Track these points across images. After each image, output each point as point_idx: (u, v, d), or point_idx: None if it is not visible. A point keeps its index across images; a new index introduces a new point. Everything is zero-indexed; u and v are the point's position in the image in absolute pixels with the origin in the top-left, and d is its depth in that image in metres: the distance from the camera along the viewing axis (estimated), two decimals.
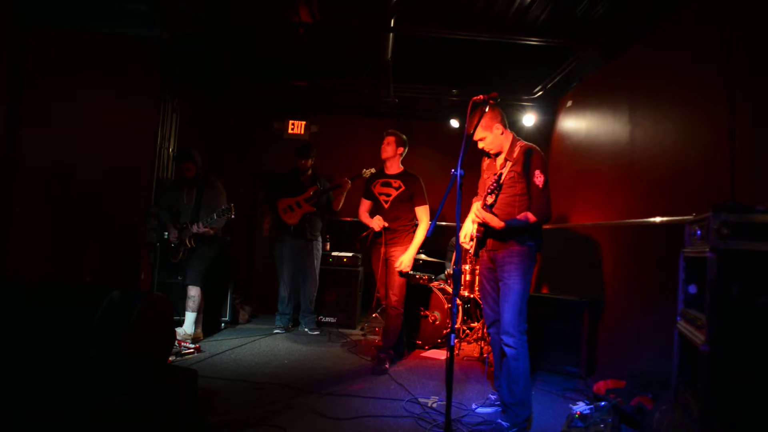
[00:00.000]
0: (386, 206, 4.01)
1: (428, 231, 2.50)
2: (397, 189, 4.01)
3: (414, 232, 3.96)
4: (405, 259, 3.84)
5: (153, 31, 3.24)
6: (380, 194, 4.06)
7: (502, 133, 2.91)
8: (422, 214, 3.98)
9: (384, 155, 4.06)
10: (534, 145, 2.89)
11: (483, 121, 2.81)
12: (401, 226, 3.98)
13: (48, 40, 3.33)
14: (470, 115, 2.67)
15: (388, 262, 3.96)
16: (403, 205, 3.98)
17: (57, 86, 3.43)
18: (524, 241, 2.80)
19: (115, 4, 3.07)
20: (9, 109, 3.05)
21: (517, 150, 2.84)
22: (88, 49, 3.69)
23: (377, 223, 3.94)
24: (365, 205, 4.20)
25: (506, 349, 2.76)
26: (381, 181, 4.11)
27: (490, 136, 2.90)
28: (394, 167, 4.10)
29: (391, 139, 4.05)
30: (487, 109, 2.68)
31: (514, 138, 2.94)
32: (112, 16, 3.14)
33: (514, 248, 2.80)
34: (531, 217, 2.74)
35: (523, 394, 2.74)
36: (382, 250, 3.96)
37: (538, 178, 2.76)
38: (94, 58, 3.78)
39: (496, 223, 2.72)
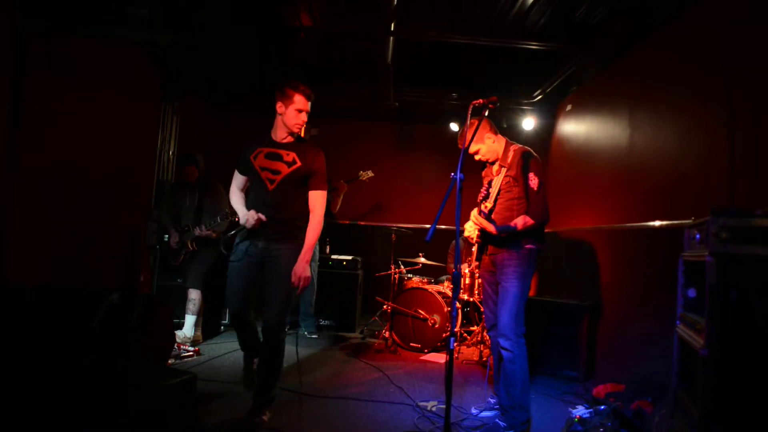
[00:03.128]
0: (271, 187, 2.80)
1: (428, 236, 2.21)
2: (290, 165, 2.82)
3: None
4: (299, 270, 2.71)
5: (154, 35, 3.25)
6: (263, 169, 2.83)
7: (494, 141, 2.98)
8: (317, 201, 2.86)
9: (300, 121, 2.85)
10: (527, 148, 2.92)
11: (470, 136, 2.84)
12: (292, 216, 2.81)
13: (50, 44, 3.34)
14: (460, 132, 2.81)
15: (269, 263, 2.79)
16: (296, 189, 2.84)
17: (58, 89, 3.45)
18: (523, 244, 2.81)
19: (117, 9, 3.09)
20: (10, 111, 3.06)
21: (510, 155, 2.90)
22: (89, 53, 3.71)
23: (251, 218, 2.72)
24: (239, 180, 3.00)
25: (503, 352, 2.78)
26: (266, 151, 2.87)
27: (483, 147, 2.97)
28: (286, 134, 2.88)
29: (311, 95, 2.86)
30: (469, 122, 2.69)
31: (507, 143, 2.99)
32: (113, 20, 3.16)
33: (513, 251, 2.82)
34: (528, 220, 2.77)
35: (521, 397, 2.73)
36: (259, 245, 2.80)
37: (533, 181, 2.79)
38: (95, 61, 3.80)
39: (491, 229, 2.80)
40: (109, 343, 2.15)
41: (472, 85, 5.59)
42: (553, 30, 4.06)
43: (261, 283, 2.89)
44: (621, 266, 3.84)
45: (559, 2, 3.65)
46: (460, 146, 2.79)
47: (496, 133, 2.99)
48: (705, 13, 2.97)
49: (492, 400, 3.17)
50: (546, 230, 3.07)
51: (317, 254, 5.19)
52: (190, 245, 4.34)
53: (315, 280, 5.13)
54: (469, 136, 2.70)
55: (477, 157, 3.01)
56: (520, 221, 2.77)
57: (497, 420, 2.85)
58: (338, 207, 5.11)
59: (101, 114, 3.94)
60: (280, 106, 2.84)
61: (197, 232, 4.28)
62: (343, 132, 6.81)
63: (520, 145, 2.95)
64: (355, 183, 5.36)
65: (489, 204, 2.89)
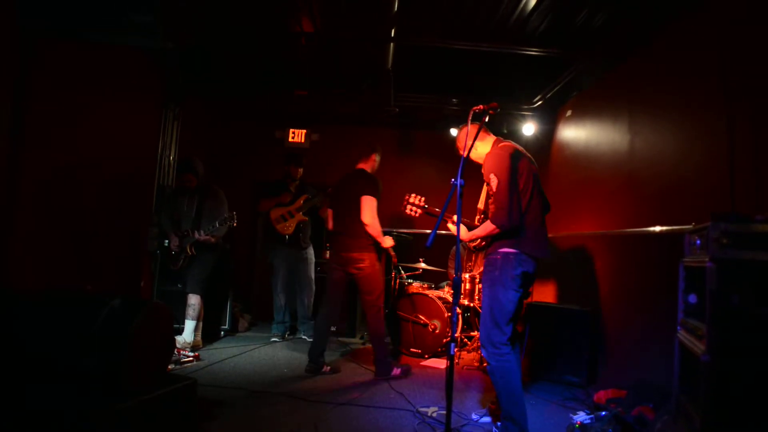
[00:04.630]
0: None
1: (428, 242, 2.45)
2: None
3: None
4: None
5: (156, 41, 3.26)
6: None
7: (476, 148, 2.90)
8: None
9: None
10: (499, 146, 2.82)
11: (460, 145, 2.87)
12: None
13: (52, 50, 3.35)
14: (457, 138, 2.92)
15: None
16: None
17: (60, 95, 3.46)
18: (497, 248, 2.70)
19: (119, 15, 3.09)
20: (13, 117, 3.07)
21: None
22: (90, 58, 3.72)
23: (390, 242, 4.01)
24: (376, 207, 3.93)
25: (487, 364, 2.69)
26: None
27: (473, 153, 2.91)
28: None
29: None
30: (459, 130, 2.73)
31: (494, 143, 2.88)
32: (116, 26, 3.16)
33: (489, 257, 2.74)
34: (488, 224, 2.66)
35: (508, 409, 2.60)
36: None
37: (492, 182, 2.67)
38: (97, 66, 3.81)
39: (462, 234, 2.75)
40: (110, 348, 2.14)
41: (473, 90, 5.60)
42: (554, 35, 4.07)
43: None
44: (622, 271, 3.83)
45: (560, 8, 3.67)
46: (460, 154, 2.81)
47: (483, 138, 2.90)
48: (705, 19, 2.99)
49: (493, 407, 3.15)
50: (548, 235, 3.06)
51: (313, 257, 5.23)
52: (189, 250, 4.34)
53: (313, 283, 5.15)
54: (461, 144, 2.75)
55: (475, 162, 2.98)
56: (483, 227, 2.69)
57: (494, 429, 2.81)
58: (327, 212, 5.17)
59: (102, 118, 3.94)
60: (375, 159, 4.15)
61: (196, 236, 4.28)
62: (344, 137, 6.82)
63: (502, 144, 2.84)
64: None
65: (481, 207, 2.88)
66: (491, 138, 2.95)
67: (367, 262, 3.86)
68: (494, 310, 2.65)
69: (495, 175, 2.65)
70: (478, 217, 2.97)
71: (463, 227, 2.81)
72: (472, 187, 3.01)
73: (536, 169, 2.87)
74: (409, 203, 3.28)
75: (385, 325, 3.99)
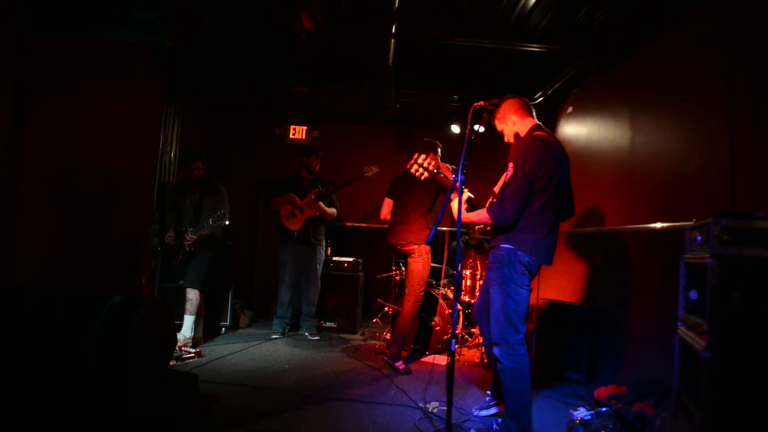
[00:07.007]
0: None
1: (429, 238, 2.52)
2: None
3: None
4: None
5: (157, 38, 3.27)
6: None
7: (515, 124, 2.77)
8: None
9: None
10: (533, 135, 2.64)
11: (499, 113, 2.78)
12: None
13: (54, 47, 3.36)
14: (500, 108, 2.82)
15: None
16: None
17: (61, 92, 3.47)
18: (499, 243, 2.61)
19: (121, 13, 3.10)
20: (14, 114, 3.08)
21: None
22: (92, 56, 3.73)
23: None
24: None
25: (497, 363, 2.65)
26: None
27: (505, 128, 2.83)
28: None
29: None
30: (502, 100, 2.71)
31: (531, 128, 2.71)
32: (117, 24, 3.17)
33: (493, 251, 2.66)
34: (483, 214, 2.58)
35: (514, 407, 2.57)
36: None
37: (509, 171, 2.54)
38: (98, 64, 3.82)
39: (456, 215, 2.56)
40: (112, 345, 2.15)
41: (474, 87, 5.59)
42: (555, 32, 4.06)
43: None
44: (622, 268, 3.83)
45: (560, 5, 3.66)
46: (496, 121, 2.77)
47: (524, 117, 2.75)
48: (707, 16, 2.98)
49: (487, 398, 3.16)
50: None
51: (323, 256, 5.22)
52: (187, 246, 4.32)
53: (319, 281, 5.14)
54: (502, 115, 2.73)
55: (505, 138, 2.85)
56: (477, 213, 2.60)
57: (494, 425, 2.81)
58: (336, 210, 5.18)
59: (103, 116, 3.95)
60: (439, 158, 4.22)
61: (190, 236, 4.25)
62: (344, 134, 6.82)
63: (541, 132, 2.63)
64: (358, 184, 5.35)
65: (496, 190, 2.80)
66: (531, 121, 2.77)
67: (419, 251, 4.08)
68: (508, 309, 2.57)
69: (514, 166, 2.53)
70: (490, 200, 2.87)
71: (464, 212, 2.67)
72: (475, 182, 2.94)
73: (567, 167, 2.72)
74: (417, 163, 2.77)
75: (413, 321, 4.17)
